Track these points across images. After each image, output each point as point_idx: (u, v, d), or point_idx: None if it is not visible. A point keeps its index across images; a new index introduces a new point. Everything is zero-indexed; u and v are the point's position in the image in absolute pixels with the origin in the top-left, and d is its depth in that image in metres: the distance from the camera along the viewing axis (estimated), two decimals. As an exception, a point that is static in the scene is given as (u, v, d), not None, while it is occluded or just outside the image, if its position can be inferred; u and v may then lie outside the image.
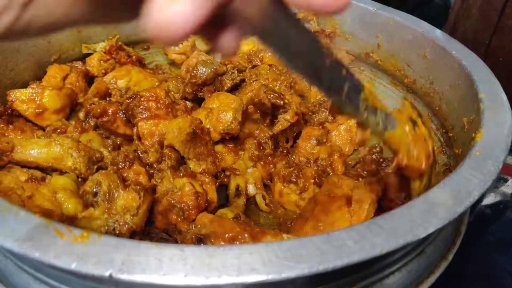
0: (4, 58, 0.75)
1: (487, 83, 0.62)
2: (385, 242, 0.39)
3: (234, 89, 0.84)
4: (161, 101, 0.71)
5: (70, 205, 0.58)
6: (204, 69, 0.80)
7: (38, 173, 0.63)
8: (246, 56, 0.89)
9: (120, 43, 0.89)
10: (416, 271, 0.52)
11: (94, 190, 0.59)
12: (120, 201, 0.60)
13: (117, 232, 0.58)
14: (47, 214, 0.57)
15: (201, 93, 0.82)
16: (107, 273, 0.36)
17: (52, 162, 0.65)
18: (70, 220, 0.57)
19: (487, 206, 0.82)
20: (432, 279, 0.53)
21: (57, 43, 0.86)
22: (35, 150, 0.64)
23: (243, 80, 0.84)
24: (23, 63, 0.79)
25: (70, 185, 0.60)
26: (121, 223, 0.58)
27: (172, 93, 0.80)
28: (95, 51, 0.88)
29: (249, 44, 0.92)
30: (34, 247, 0.38)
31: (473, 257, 0.75)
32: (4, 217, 0.41)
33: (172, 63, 0.97)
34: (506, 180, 0.83)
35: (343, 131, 0.78)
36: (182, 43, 0.93)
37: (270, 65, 0.84)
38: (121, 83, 0.79)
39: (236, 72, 0.83)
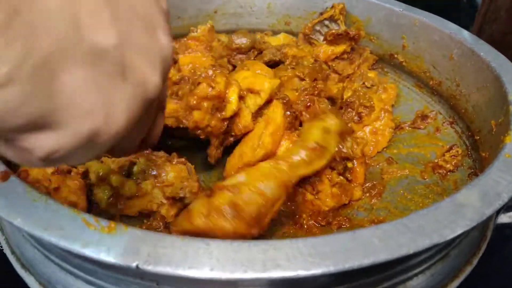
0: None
1: (517, 85, 0.61)
2: (412, 242, 0.39)
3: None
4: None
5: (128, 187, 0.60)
6: (244, 40, 0.81)
7: (64, 166, 0.64)
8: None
9: None
10: (440, 275, 0.51)
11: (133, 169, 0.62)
12: (170, 174, 0.62)
13: (188, 196, 0.60)
14: (72, 206, 0.58)
15: (233, 59, 0.83)
16: (134, 264, 0.37)
17: None
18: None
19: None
20: (455, 283, 0.53)
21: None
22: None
23: (281, 62, 0.83)
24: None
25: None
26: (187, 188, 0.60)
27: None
28: None
29: (276, 40, 0.92)
30: (63, 236, 0.39)
31: (497, 263, 0.74)
32: (34, 206, 0.42)
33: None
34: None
35: (368, 133, 0.77)
36: (199, 28, 0.93)
37: (315, 60, 0.82)
38: None
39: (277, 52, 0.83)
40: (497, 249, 0.77)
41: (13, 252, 0.56)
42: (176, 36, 1.00)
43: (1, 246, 0.58)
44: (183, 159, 0.64)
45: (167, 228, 0.61)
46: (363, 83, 0.83)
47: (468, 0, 1.42)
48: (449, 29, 0.78)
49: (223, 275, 0.36)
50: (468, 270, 0.54)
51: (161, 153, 0.64)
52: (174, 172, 0.62)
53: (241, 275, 0.36)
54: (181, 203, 0.63)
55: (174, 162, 0.63)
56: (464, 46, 0.74)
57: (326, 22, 0.93)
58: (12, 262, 0.55)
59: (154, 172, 0.61)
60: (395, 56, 0.90)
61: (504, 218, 0.67)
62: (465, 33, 0.76)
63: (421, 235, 0.39)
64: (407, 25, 0.85)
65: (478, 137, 0.69)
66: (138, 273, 0.40)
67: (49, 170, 0.62)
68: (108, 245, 0.38)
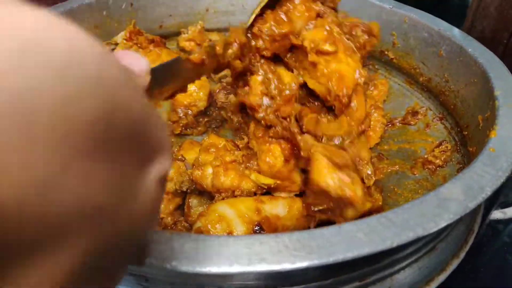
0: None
1: (503, 80, 0.62)
2: (395, 236, 0.39)
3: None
4: None
5: None
6: None
7: None
8: None
9: (137, 27, 0.90)
10: (427, 268, 0.51)
11: None
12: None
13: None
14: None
15: None
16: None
17: None
18: None
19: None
20: (443, 277, 0.53)
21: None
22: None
23: None
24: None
25: None
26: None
27: None
28: (117, 44, 0.89)
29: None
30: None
31: (486, 257, 0.75)
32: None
33: (183, 50, 0.98)
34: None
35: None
36: (190, 29, 0.94)
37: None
38: None
39: None
40: (490, 244, 0.78)
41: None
42: (168, 34, 1.01)
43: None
44: (181, 155, 0.65)
45: (159, 225, 0.61)
46: None
47: (459, -3, 1.43)
48: (438, 25, 0.78)
49: (209, 269, 0.37)
50: (455, 263, 0.55)
51: None
52: (173, 167, 0.63)
53: (227, 269, 0.37)
54: (180, 199, 0.64)
55: (172, 158, 0.64)
56: (452, 43, 0.74)
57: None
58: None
59: None
60: (386, 52, 0.90)
61: (497, 214, 0.68)
62: (454, 30, 0.77)
63: (405, 228, 0.40)
64: (397, 22, 0.86)
65: (466, 132, 0.69)
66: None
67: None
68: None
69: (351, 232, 0.39)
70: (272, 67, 0.61)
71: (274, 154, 0.59)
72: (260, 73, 0.60)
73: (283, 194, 0.61)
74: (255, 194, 0.61)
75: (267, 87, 0.60)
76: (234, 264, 0.37)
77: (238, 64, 0.54)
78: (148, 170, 0.22)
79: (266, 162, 0.59)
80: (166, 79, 0.43)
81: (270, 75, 0.59)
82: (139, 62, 0.28)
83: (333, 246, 0.38)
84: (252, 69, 0.60)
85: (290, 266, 0.37)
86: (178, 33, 1.01)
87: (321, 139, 0.60)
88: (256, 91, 0.60)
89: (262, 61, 0.61)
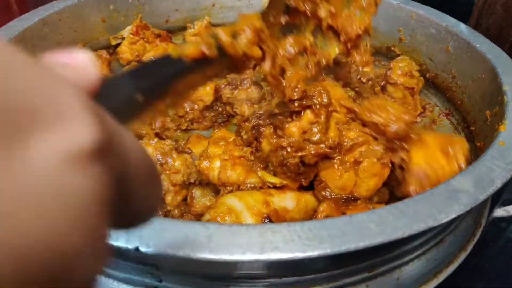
0: (32, 46, 0.77)
1: (511, 75, 0.62)
2: (407, 226, 0.39)
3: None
4: None
5: None
6: None
7: None
8: None
9: (144, 22, 0.90)
10: (435, 260, 0.52)
11: None
12: (177, 161, 0.64)
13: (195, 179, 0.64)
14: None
15: None
16: (132, 247, 0.38)
17: None
18: None
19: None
20: (450, 269, 0.54)
21: (83, 33, 0.88)
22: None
23: None
24: (50, 51, 0.81)
25: None
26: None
27: None
28: (123, 38, 0.90)
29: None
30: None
31: (491, 253, 0.75)
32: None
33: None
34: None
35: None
36: (196, 24, 0.94)
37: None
38: None
39: None
40: (493, 240, 0.79)
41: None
42: (174, 29, 1.01)
43: None
44: (187, 148, 0.65)
45: (167, 216, 0.62)
46: (359, 78, 0.84)
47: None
48: (446, 21, 0.79)
49: (222, 257, 0.37)
50: (463, 256, 0.55)
51: (168, 141, 0.66)
52: (180, 160, 0.63)
53: (240, 257, 0.37)
54: (186, 191, 0.64)
55: (179, 151, 0.65)
56: (460, 39, 0.75)
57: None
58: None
59: (161, 160, 0.63)
60: (392, 48, 0.90)
61: (500, 212, 0.68)
62: (462, 26, 0.77)
63: (416, 219, 0.40)
64: (404, 18, 0.86)
65: (474, 128, 0.69)
66: (139, 257, 0.41)
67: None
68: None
69: (362, 222, 0.40)
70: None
71: None
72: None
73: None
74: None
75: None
76: (247, 252, 0.37)
77: (257, 52, 0.46)
78: (26, 145, 0.15)
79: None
80: (157, 84, 0.33)
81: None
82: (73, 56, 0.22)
83: (345, 235, 0.38)
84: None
85: (302, 255, 0.37)
86: (184, 28, 1.01)
87: None
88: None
89: None
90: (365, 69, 0.84)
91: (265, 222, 0.54)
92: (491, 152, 0.48)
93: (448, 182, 0.44)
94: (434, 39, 0.81)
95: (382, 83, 0.80)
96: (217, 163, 0.61)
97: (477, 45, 0.70)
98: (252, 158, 0.62)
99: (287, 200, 0.56)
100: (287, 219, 0.56)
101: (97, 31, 0.90)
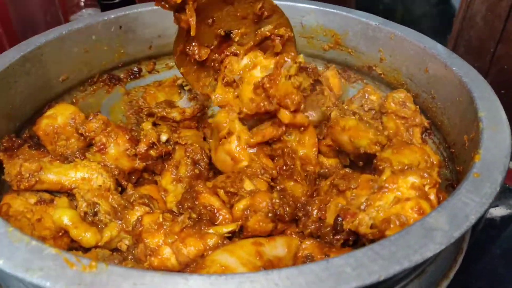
0: (15, 82, 0.77)
1: (487, 100, 0.63)
2: (382, 269, 0.40)
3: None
4: None
5: (89, 235, 0.59)
6: None
7: (46, 196, 0.65)
8: None
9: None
10: (418, 291, 0.52)
11: (95, 210, 0.62)
12: (133, 218, 0.63)
13: None
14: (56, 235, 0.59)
15: None
16: (114, 303, 0.38)
17: (80, 183, 0.68)
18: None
19: (492, 219, 0.83)
20: (434, 298, 0.54)
21: (66, 65, 0.88)
22: (61, 172, 0.68)
23: None
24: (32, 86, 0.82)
25: (77, 217, 0.62)
26: None
27: None
28: None
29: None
30: (44, 277, 0.40)
31: (478, 270, 0.76)
32: (16, 247, 0.43)
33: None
34: (512, 192, 0.84)
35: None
36: None
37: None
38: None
39: None
40: (483, 254, 0.80)
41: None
42: (157, 55, 1.02)
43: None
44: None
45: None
46: (361, 106, 0.84)
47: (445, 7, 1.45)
48: (424, 42, 0.80)
49: (200, 310, 0.38)
50: (446, 283, 0.56)
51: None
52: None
53: (218, 310, 0.37)
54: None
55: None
56: (437, 60, 0.76)
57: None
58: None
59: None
60: (374, 68, 0.91)
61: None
62: (439, 47, 0.78)
63: (391, 261, 0.41)
64: (384, 38, 0.87)
65: (454, 150, 0.70)
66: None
67: (32, 200, 0.63)
68: (89, 284, 0.39)
69: (339, 267, 0.40)
70: None
71: None
72: None
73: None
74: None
75: None
76: (225, 304, 0.38)
77: None
78: None
79: None
80: None
81: None
82: None
83: (322, 282, 0.39)
84: None
85: (280, 304, 0.38)
86: (168, 53, 1.02)
87: None
88: None
89: None
90: (371, 97, 0.85)
91: None
92: (465, 185, 0.49)
93: (423, 220, 0.45)
94: (413, 60, 0.82)
95: (373, 112, 0.81)
96: (167, 250, 0.58)
97: (454, 68, 0.71)
98: (191, 222, 0.61)
99: (279, 248, 0.57)
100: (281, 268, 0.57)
101: (80, 62, 0.91)
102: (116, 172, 0.72)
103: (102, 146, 0.72)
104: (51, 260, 0.41)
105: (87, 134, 0.73)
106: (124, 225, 0.61)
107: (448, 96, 0.73)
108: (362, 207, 0.55)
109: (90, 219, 0.62)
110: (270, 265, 0.54)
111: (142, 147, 0.74)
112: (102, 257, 0.58)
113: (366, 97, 0.85)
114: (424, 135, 0.81)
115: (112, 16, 0.92)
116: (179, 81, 0.99)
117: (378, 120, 0.82)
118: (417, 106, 0.78)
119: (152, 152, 0.75)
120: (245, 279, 0.39)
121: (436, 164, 0.63)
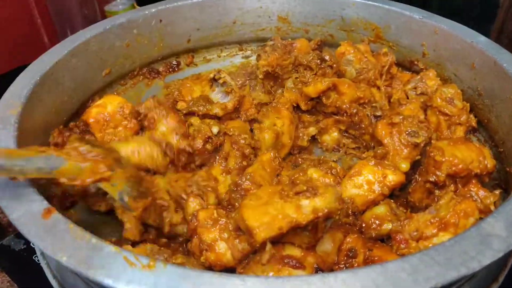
0: (63, 77, 0.79)
1: (541, 99, 0.61)
2: (439, 276, 0.40)
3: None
4: None
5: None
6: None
7: None
8: None
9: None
10: (467, 295, 0.52)
11: None
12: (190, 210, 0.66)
13: None
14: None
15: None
16: (174, 302, 0.39)
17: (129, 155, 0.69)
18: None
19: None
20: (482, 301, 0.54)
21: (109, 59, 0.89)
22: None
23: None
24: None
25: None
26: None
27: None
28: None
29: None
30: (106, 275, 0.41)
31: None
32: (78, 244, 0.44)
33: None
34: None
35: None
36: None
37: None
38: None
39: None
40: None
41: (54, 277, 0.59)
42: (195, 48, 1.03)
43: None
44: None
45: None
46: (415, 88, 0.83)
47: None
48: (471, 37, 0.77)
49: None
50: (495, 287, 0.55)
51: None
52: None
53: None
54: None
55: None
56: (485, 56, 0.73)
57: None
58: (54, 286, 0.58)
59: None
60: (415, 63, 0.90)
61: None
62: (488, 42, 0.75)
63: (448, 268, 0.40)
64: (427, 32, 0.85)
65: (502, 149, 0.69)
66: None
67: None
68: (150, 283, 0.40)
69: (394, 272, 0.40)
70: None
71: None
72: None
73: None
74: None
75: None
76: (283, 307, 0.38)
77: None
78: None
79: None
80: None
81: None
82: None
83: (378, 287, 0.39)
84: None
85: (336, 308, 0.38)
86: (206, 46, 1.03)
87: None
88: None
89: None
90: (428, 82, 0.83)
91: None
92: (522, 190, 0.48)
93: (479, 225, 0.44)
94: (458, 55, 0.80)
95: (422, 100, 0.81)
96: (222, 245, 0.58)
97: (504, 65, 0.69)
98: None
99: (326, 244, 0.58)
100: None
101: (122, 56, 0.92)
102: (164, 145, 0.74)
103: (152, 121, 0.75)
104: (111, 258, 0.43)
105: (142, 111, 0.76)
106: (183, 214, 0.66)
107: (497, 93, 0.71)
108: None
109: None
110: (321, 261, 0.55)
111: (199, 143, 0.74)
112: (150, 252, 0.60)
113: (424, 81, 0.83)
114: (467, 132, 0.80)
115: (153, 10, 0.93)
116: (211, 75, 0.99)
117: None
118: (466, 104, 0.76)
119: (208, 146, 0.76)
120: (301, 282, 0.40)
121: (490, 169, 0.61)
